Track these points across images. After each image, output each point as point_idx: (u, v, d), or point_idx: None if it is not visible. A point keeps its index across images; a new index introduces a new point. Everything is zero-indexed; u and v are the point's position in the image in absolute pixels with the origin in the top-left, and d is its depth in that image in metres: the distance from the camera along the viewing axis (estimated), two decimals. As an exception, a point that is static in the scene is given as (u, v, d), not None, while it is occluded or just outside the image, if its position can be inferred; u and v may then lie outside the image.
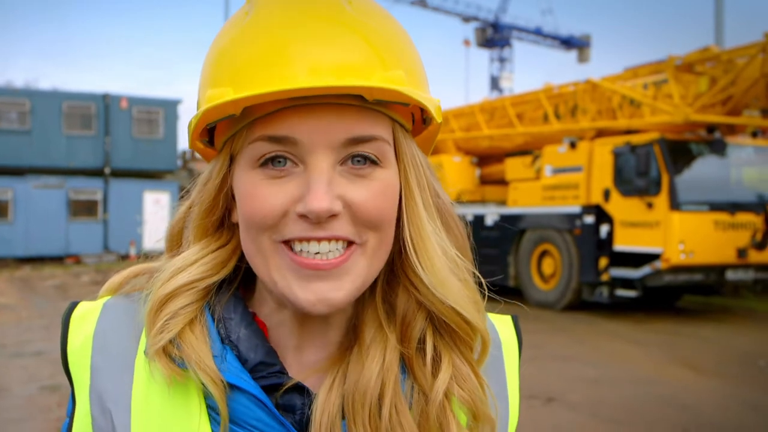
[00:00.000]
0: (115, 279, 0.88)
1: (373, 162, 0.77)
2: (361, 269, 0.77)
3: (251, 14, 0.77)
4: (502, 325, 0.95)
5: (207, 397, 0.77)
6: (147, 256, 0.91)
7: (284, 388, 0.77)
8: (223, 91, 0.73)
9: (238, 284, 0.85)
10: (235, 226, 0.83)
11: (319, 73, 0.71)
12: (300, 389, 0.78)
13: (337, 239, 0.75)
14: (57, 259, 23.69)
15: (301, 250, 0.75)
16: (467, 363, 0.83)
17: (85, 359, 0.80)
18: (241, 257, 0.83)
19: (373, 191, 0.76)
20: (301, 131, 0.73)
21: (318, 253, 0.75)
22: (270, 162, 0.75)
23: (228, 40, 0.78)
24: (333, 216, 0.74)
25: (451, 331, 0.82)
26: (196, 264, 0.80)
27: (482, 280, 0.88)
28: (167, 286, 0.78)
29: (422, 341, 0.82)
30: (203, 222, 0.82)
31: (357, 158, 0.76)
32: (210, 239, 0.82)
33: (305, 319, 0.81)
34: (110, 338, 0.81)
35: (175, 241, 0.88)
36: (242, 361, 0.78)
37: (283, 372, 0.78)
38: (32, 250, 23.36)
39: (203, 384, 0.75)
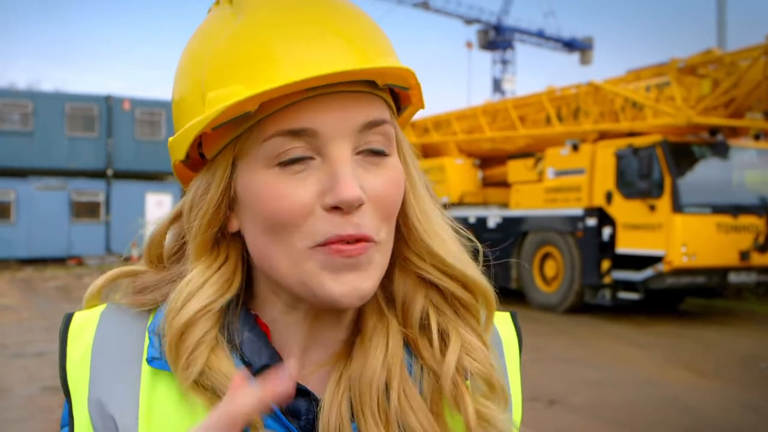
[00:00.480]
0: (96, 284, 0.86)
1: (383, 154, 0.77)
2: (379, 263, 0.77)
3: (244, 15, 0.76)
4: (500, 322, 0.94)
5: None
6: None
7: None
8: (234, 89, 0.72)
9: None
10: (232, 238, 0.81)
11: (343, 60, 0.72)
12: (305, 394, 0.77)
13: (363, 238, 0.74)
14: (59, 261, 23.70)
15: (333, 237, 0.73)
16: (475, 333, 0.82)
17: (85, 370, 0.79)
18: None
19: (388, 180, 0.76)
20: (320, 121, 0.73)
21: (349, 234, 0.73)
22: (286, 161, 0.73)
23: (224, 41, 0.76)
24: (359, 206, 0.73)
25: (453, 304, 0.82)
26: (206, 286, 0.78)
27: (489, 257, 0.88)
28: (182, 315, 0.76)
29: (426, 321, 0.82)
30: (205, 236, 0.79)
31: (368, 150, 0.76)
32: (210, 257, 0.80)
33: (317, 317, 0.81)
34: (110, 347, 0.80)
35: (155, 251, 0.86)
36: (246, 365, 0.77)
37: None
38: (34, 251, 23.38)
39: None
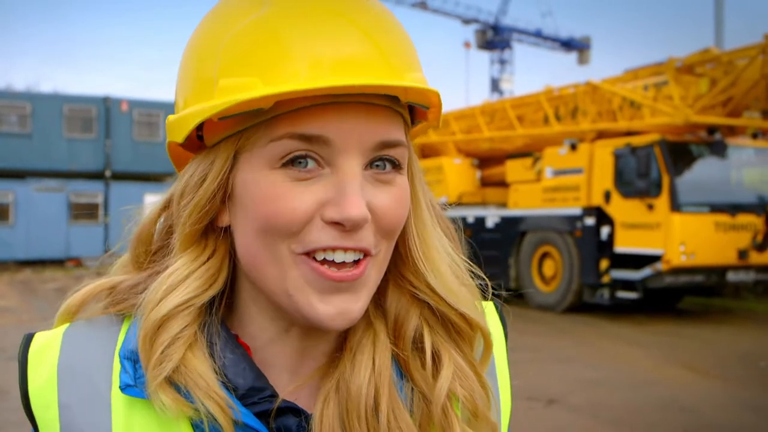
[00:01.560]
0: (73, 301, 0.80)
1: (395, 166, 0.74)
2: (373, 280, 0.75)
3: (270, 5, 0.71)
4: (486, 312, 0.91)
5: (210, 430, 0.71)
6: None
7: (274, 409, 0.73)
8: (249, 81, 0.68)
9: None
10: (220, 232, 0.76)
11: (367, 71, 0.69)
12: (294, 410, 0.75)
13: (362, 250, 0.71)
14: (58, 262, 23.68)
15: (325, 259, 0.71)
16: (467, 360, 0.80)
17: (51, 397, 0.73)
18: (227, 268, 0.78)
19: (395, 198, 0.73)
20: (334, 131, 0.69)
21: (343, 262, 0.71)
22: (292, 163, 0.70)
23: (245, 28, 0.70)
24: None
25: (448, 327, 0.80)
26: (190, 279, 0.73)
27: (487, 281, 0.87)
28: (161, 308, 0.71)
29: (419, 341, 0.79)
30: (194, 227, 0.74)
31: (379, 162, 0.73)
32: (196, 248, 0.75)
33: (304, 335, 0.78)
34: (78, 371, 0.74)
35: (144, 245, 0.81)
36: (230, 388, 0.72)
37: (274, 395, 0.74)
38: (33, 253, 23.36)
39: (212, 415, 0.69)
